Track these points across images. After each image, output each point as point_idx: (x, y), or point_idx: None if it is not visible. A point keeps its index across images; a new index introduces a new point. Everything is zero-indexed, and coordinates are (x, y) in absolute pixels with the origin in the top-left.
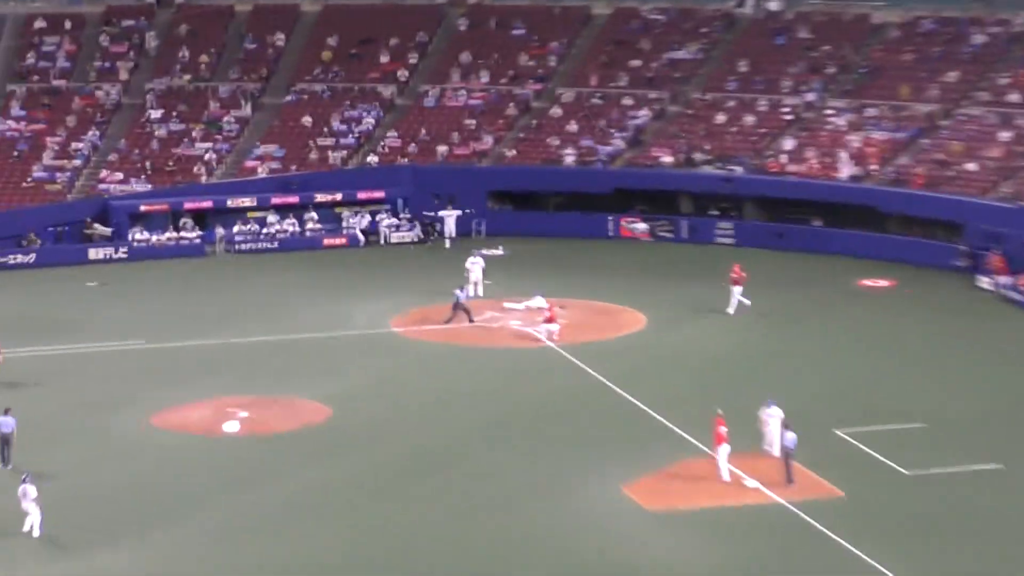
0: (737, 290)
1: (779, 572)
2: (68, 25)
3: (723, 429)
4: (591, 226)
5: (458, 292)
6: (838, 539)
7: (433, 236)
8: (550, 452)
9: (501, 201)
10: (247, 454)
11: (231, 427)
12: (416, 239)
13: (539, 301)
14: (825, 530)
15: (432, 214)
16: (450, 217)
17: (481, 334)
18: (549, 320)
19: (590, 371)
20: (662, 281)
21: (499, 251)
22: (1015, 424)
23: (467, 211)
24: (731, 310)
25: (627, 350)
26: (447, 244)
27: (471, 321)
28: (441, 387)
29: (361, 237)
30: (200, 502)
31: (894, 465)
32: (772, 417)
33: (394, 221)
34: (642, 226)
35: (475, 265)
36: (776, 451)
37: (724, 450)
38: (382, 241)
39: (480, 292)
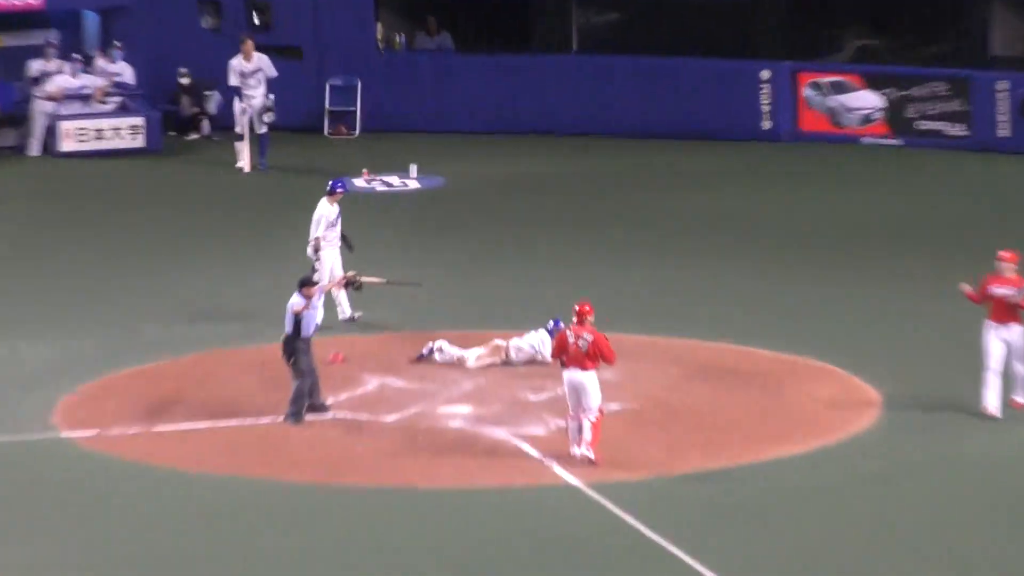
0: (1012, 337)
1: None
2: None
3: None
4: (704, 101)
5: (300, 306)
6: None
7: (198, 133)
8: None
9: (412, 22)
10: None
11: None
12: (146, 143)
13: (536, 339)
14: None
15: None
16: (251, 77)
17: (355, 448)
18: (575, 360)
19: (703, 572)
20: (939, 282)
21: (411, 179)
22: None
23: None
24: (992, 407)
25: (823, 504)
26: (244, 160)
27: (320, 407)
28: None
29: None
30: None
31: None
32: None
33: (77, 83)
34: (866, 100)
35: (330, 233)
36: None
37: None
38: (35, 147)
39: (348, 311)
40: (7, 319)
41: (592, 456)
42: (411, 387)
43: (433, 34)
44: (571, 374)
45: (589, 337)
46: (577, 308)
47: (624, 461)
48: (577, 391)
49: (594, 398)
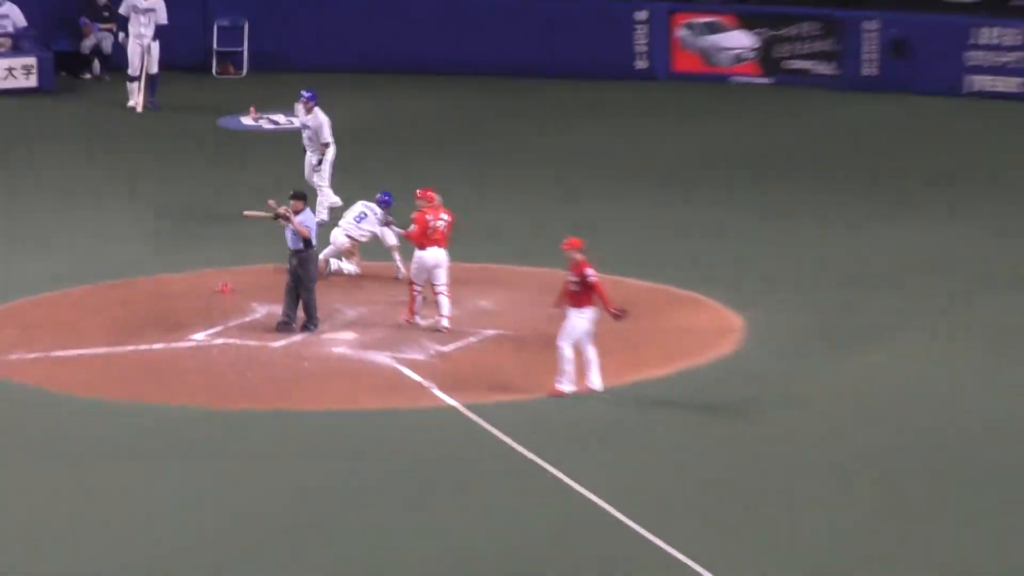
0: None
1: None
2: None
3: None
4: (583, 41)
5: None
6: None
7: (90, 73)
8: None
9: None
10: None
11: None
12: (38, 83)
13: (364, 213)
14: None
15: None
16: (144, 15)
17: (245, 373)
18: (436, 239)
19: (576, 488)
20: (799, 212)
21: (296, 117)
22: None
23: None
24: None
25: (689, 420)
26: (135, 98)
27: (300, 326)
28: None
29: None
30: None
31: None
32: None
33: None
34: (739, 40)
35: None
36: None
37: None
38: None
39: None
40: None
41: (449, 326)
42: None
43: None
44: (434, 252)
45: (447, 217)
46: (420, 193)
47: (501, 384)
48: (437, 267)
49: (446, 272)
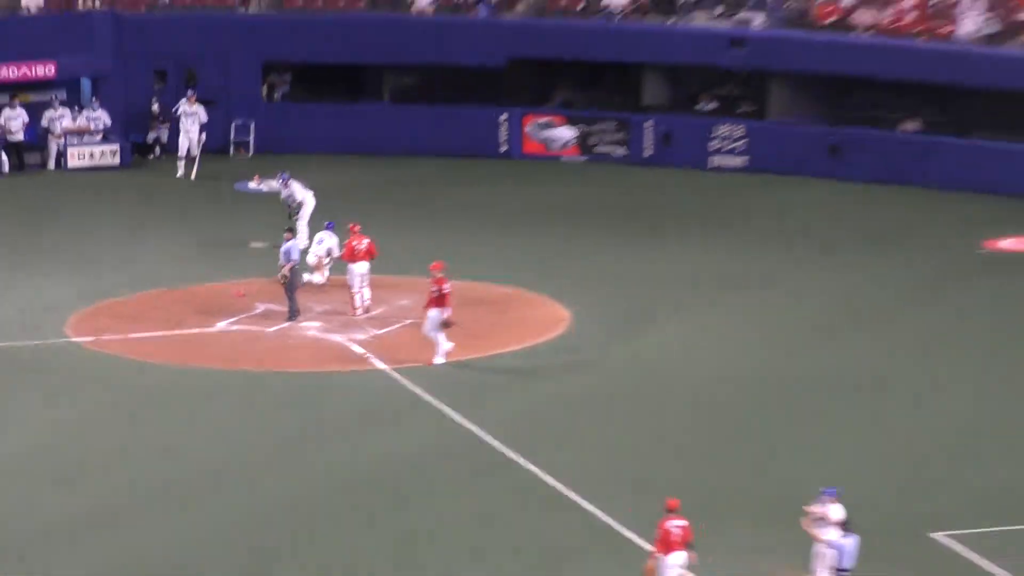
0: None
1: None
2: None
3: (676, 526)
4: (466, 133)
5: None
6: None
7: (153, 155)
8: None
9: (288, 84)
10: None
11: None
12: (120, 161)
13: (326, 239)
14: None
15: (158, 116)
16: (191, 117)
17: (251, 347)
18: (361, 256)
19: (456, 418)
20: (604, 242)
21: (277, 183)
22: None
23: (240, 123)
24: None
25: (532, 377)
26: (182, 171)
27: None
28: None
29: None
30: None
31: None
32: (829, 522)
33: (76, 125)
34: (565, 133)
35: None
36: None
37: (674, 562)
38: (51, 164)
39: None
40: (33, 266)
41: (370, 302)
42: (284, 310)
43: (299, 89)
44: (359, 265)
45: (366, 242)
46: (350, 227)
47: (414, 355)
48: (362, 274)
49: (368, 276)
